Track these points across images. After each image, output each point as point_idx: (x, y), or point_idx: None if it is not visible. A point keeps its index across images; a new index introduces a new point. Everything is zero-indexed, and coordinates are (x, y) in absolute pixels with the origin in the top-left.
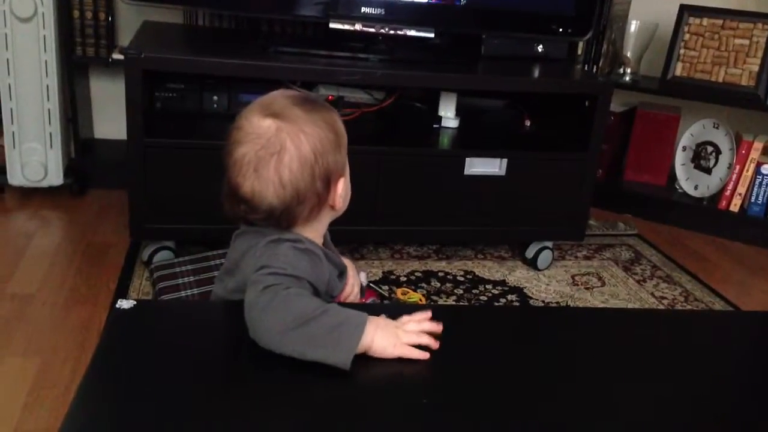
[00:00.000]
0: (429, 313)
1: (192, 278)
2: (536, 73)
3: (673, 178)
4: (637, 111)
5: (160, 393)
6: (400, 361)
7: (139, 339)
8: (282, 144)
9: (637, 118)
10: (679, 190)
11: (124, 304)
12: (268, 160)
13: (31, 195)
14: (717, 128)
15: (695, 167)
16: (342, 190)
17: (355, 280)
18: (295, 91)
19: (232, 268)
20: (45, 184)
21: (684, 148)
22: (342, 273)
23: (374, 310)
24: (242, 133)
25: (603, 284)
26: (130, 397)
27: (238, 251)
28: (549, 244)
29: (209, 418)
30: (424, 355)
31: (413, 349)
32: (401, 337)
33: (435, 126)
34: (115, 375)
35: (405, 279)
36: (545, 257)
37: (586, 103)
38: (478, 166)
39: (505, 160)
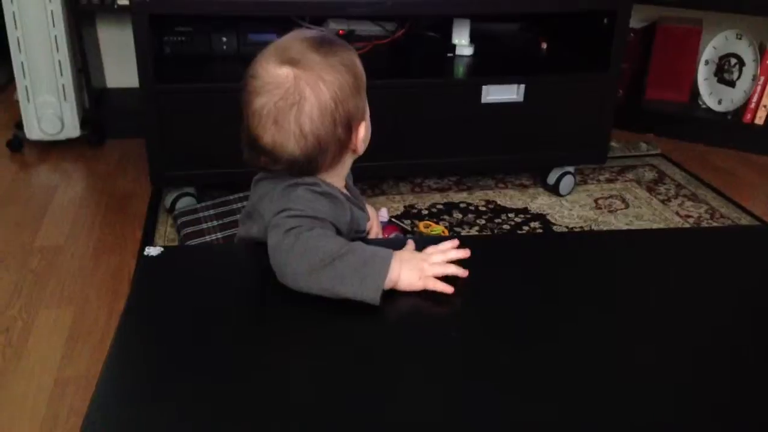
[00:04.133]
0: (456, 242)
1: (215, 222)
2: None
3: (695, 93)
4: (657, 26)
5: (192, 336)
6: (427, 294)
7: (169, 284)
8: (301, 93)
9: (657, 33)
10: (703, 106)
11: (152, 251)
12: (287, 110)
13: (49, 148)
14: (740, 39)
15: (718, 81)
16: (363, 133)
17: (378, 229)
18: (311, 31)
19: (251, 211)
20: (62, 136)
21: (707, 62)
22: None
23: (399, 245)
24: (259, 83)
25: (627, 206)
26: (163, 342)
27: (256, 195)
28: (571, 169)
29: (241, 359)
30: (450, 289)
31: (439, 281)
32: (427, 270)
33: (449, 55)
34: (148, 321)
35: (427, 212)
36: (567, 182)
37: (605, 21)
38: (496, 94)
39: (522, 86)
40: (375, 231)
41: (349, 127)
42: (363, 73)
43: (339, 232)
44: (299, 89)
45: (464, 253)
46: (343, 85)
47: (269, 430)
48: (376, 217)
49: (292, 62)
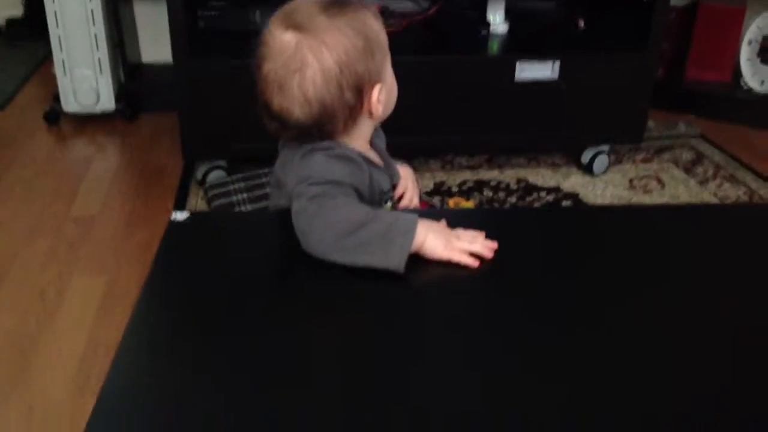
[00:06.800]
0: (483, 233)
1: (245, 195)
2: None
3: (738, 74)
4: (700, 4)
5: (216, 301)
6: (453, 264)
7: (194, 250)
8: (303, 60)
9: (699, 12)
10: (745, 87)
11: (179, 216)
12: (290, 77)
13: (85, 122)
14: None
15: (762, 62)
16: (378, 96)
17: (414, 192)
18: None
19: (277, 180)
20: (98, 109)
21: (750, 42)
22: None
23: (427, 217)
24: (266, 49)
25: (662, 187)
26: (187, 307)
27: (279, 163)
28: (605, 148)
29: (265, 325)
30: (474, 263)
31: (464, 254)
32: (453, 242)
33: (483, 32)
34: (173, 285)
35: (457, 189)
36: (601, 162)
37: None
38: (530, 71)
39: (557, 63)
40: (409, 195)
41: (359, 92)
42: (379, 34)
43: (361, 195)
44: (301, 55)
45: (491, 243)
46: (348, 48)
47: (293, 397)
48: (412, 177)
49: (296, 27)
